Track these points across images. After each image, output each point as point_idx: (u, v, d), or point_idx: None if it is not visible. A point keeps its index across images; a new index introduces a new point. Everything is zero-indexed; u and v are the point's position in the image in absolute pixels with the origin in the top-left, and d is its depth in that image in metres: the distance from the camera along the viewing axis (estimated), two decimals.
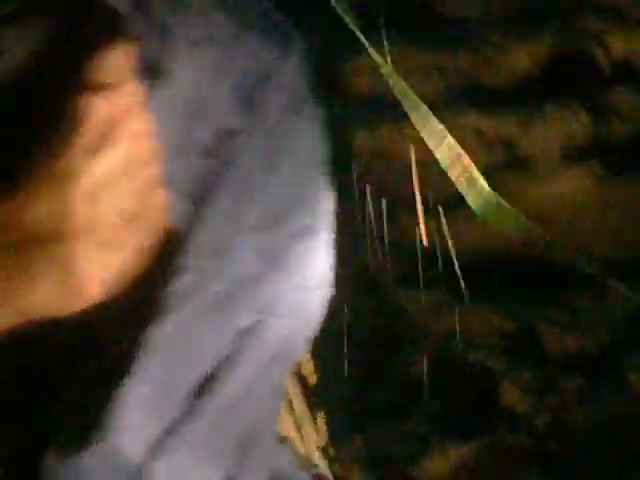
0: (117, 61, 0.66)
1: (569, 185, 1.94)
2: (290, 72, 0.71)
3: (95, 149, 0.63)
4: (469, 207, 1.99)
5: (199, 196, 0.68)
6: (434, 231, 1.97)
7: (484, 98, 2.23)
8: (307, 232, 0.72)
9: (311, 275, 0.74)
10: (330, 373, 1.74)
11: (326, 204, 0.73)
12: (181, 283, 0.67)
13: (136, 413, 0.64)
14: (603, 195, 1.91)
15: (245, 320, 0.69)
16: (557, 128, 2.07)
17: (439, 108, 2.18)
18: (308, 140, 0.71)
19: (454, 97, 2.26)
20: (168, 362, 0.66)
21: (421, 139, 1.57)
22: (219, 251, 0.68)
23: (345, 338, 1.77)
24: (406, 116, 1.56)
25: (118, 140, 0.65)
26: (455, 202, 2.03)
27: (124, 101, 0.65)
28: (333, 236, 0.74)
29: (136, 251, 0.64)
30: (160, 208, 0.65)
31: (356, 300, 1.86)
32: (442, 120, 2.15)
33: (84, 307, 0.63)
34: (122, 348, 0.65)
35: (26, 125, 0.66)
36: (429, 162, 1.75)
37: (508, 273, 1.89)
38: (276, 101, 0.70)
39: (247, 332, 0.69)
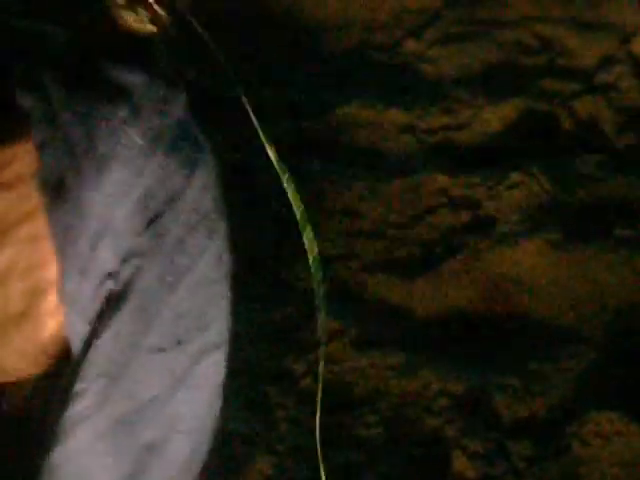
0: (17, 165, 0.66)
1: (529, 250, 1.97)
2: (196, 190, 0.70)
3: None
4: (431, 268, 2.02)
5: (96, 318, 0.68)
6: (398, 292, 1.99)
7: (453, 158, 2.27)
8: (213, 349, 0.71)
9: (217, 387, 0.74)
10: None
11: (230, 317, 0.73)
12: (76, 408, 0.67)
13: None
14: (562, 262, 1.94)
15: (148, 437, 0.69)
16: (521, 192, 2.10)
17: (410, 167, 2.22)
18: (210, 256, 0.71)
19: (425, 156, 2.30)
20: None
21: None
22: (116, 374, 0.68)
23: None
24: None
25: (11, 240, 0.64)
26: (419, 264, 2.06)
27: (21, 203, 0.65)
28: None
29: (21, 355, 0.64)
30: (49, 313, 0.65)
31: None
32: (412, 179, 2.20)
33: None
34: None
35: None
36: None
37: (464, 332, 1.92)
38: (179, 220, 0.70)
39: (151, 448, 0.70)
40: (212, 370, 0.73)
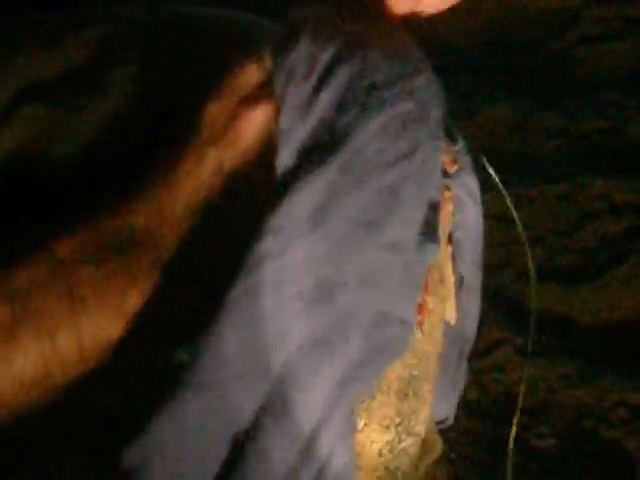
0: (249, 77, 0.67)
1: None
2: (434, 111, 0.73)
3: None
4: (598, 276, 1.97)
5: (305, 161, 0.67)
6: (560, 300, 1.95)
7: (611, 162, 2.21)
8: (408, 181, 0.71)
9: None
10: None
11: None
12: (267, 244, 0.66)
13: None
14: None
15: (387, 237, 0.69)
16: None
17: (566, 172, 2.16)
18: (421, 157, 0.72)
19: (580, 161, 2.24)
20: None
21: None
22: (316, 221, 0.67)
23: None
24: None
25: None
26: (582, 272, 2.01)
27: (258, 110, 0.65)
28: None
29: None
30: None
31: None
32: (568, 184, 2.14)
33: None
34: None
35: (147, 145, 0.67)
36: None
37: (634, 342, 1.87)
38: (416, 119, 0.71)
39: (390, 247, 0.69)
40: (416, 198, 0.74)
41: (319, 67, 0.66)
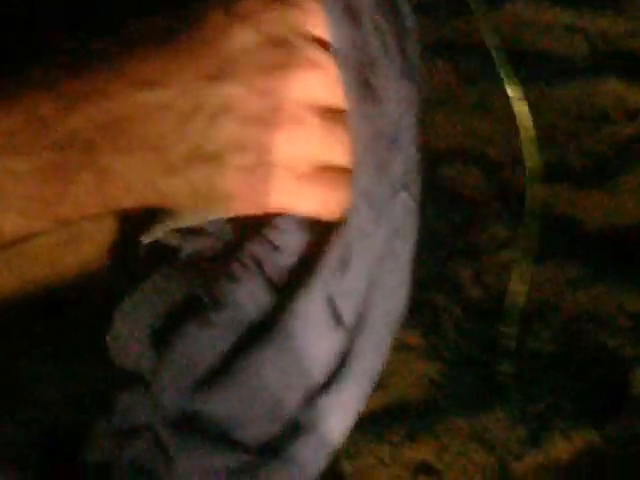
0: None
1: None
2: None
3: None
4: (605, 179, 1.94)
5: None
6: (570, 202, 1.92)
7: (629, 65, 2.16)
8: None
9: None
10: None
11: None
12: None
13: None
14: None
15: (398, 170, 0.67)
16: None
17: (582, 71, 2.11)
18: None
19: (597, 61, 2.19)
20: None
21: None
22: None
23: None
24: None
25: None
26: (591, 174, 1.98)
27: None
28: None
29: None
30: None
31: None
32: (584, 84, 2.10)
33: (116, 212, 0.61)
34: None
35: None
36: None
37: None
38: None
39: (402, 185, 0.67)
40: None
41: None
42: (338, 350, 0.67)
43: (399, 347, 1.74)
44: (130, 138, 0.58)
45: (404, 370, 1.72)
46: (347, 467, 1.61)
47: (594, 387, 1.63)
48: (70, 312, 0.68)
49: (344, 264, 0.65)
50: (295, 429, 0.65)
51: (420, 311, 1.79)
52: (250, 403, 0.64)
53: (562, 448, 1.57)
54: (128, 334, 0.63)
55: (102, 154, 0.57)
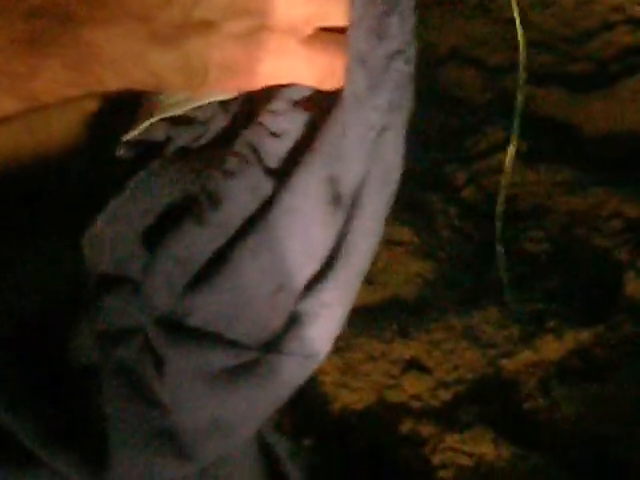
0: None
1: None
2: None
3: None
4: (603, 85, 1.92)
5: None
6: (568, 108, 1.91)
7: None
8: None
9: None
10: None
11: None
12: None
13: None
14: None
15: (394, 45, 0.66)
16: None
17: None
18: None
19: None
20: None
21: None
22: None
23: None
24: None
25: None
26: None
27: None
28: None
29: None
30: None
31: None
32: None
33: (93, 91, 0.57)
34: None
35: None
36: None
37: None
38: None
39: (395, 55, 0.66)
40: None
41: None
42: (335, 235, 0.66)
43: (392, 244, 1.74)
44: (112, 7, 0.52)
45: (397, 267, 1.72)
46: (337, 361, 1.62)
47: (587, 288, 1.64)
48: (46, 202, 0.65)
49: (341, 141, 0.63)
50: (295, 321, 0.64)
51: (414, 210, 1.78)
52: (247, 299, 0.62)
53: (553, 347, 1.58)
54: (114, 235, 0.61)
55: (82, 26, 0.52)
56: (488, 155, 1.84)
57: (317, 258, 0.64)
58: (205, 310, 0.60)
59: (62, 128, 0.63)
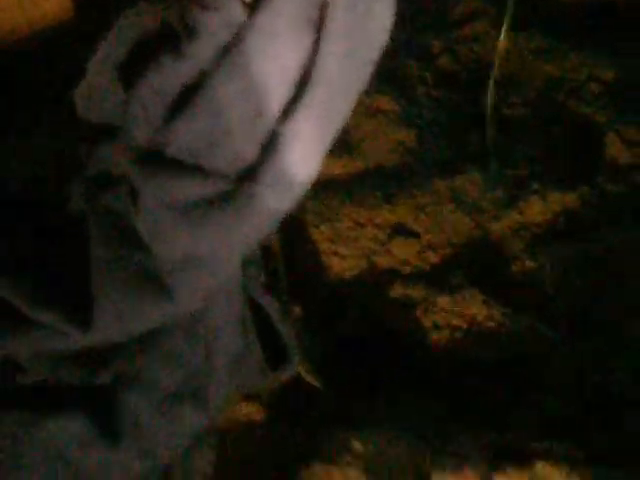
0: None
1: None
2: None
3: None
4: None
5: None
6: None
7: None
8: None
9: None
10: None
11: None
12: None
13: None
14: None
15: None
16: None
17: None
18: None
19: None
20: None
21: None
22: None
23: None
24: None
25: None
26: None
27: None
28: None
29: None
30: None
31: None
32: None
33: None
34: None
35: None
36: None
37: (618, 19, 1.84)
38: None
39: None
40: None
41: None
42: (306, 56, 0.65)
43: (372, 112, 1.73)
44: None
45: (379, 135, 1.71)
46: (325, 229, 1.62)
47: (569, 152, 1.66)
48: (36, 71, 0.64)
49: None
50: (272, 147, 0.63)
51: (390, 77, 1.77)
52: (225, 125, 0.61)
53: (538, 209, 1.60)
54: (100, 79, 0.60)
55: None
56: (462, 24, 1.83)
57: (291, 80, 0.64)
58: (183, 139, 0.60)
59: (54, 6, 0.61)
